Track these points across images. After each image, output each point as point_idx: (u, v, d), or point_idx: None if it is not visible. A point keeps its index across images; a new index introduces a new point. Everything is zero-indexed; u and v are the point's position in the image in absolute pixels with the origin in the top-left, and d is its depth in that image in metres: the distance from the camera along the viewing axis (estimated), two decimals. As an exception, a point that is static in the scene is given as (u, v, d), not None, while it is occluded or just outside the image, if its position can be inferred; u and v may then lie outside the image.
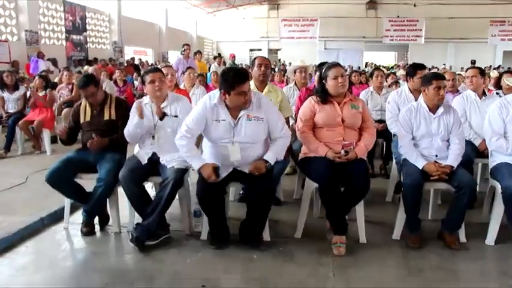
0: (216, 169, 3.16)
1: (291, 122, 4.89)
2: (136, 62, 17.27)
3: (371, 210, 3.83)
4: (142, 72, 3.90)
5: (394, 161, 4.45)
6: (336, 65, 3.55)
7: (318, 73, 4.29)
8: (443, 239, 3.42)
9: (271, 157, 3.28)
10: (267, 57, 5.19)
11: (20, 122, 6.55)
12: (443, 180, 3.38)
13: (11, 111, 6.92)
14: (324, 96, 3.50)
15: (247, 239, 3.40)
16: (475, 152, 4.17)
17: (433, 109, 3.57)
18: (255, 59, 4.57)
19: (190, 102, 4.92)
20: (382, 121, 5.24)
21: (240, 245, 3.40)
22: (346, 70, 16.29)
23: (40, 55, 12.61)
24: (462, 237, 3.46)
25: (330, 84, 3.45)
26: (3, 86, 6.96)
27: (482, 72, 4.55)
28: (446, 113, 3.57)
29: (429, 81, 3.51)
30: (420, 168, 3.41)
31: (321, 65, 4.66)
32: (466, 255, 3.29)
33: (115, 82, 9.74)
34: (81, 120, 3.84)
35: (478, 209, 3.97)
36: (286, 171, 4.70)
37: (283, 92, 4.64)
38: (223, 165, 3.28)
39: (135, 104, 3.68)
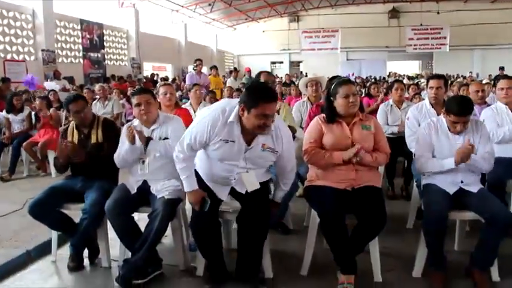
0: (204, 200, 2.83)
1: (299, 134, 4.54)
2: (157, 78, 17.11)
3: (389, 240, 3.42)
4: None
5: (415, 183, 4.01)
6: (347, 81, 3.18)
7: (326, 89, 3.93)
8: (472, 277, 2.94)
9: (280, 197, 3.13)
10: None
11: (24, 144, 6.37)
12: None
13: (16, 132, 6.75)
14: (331, 115, 3.11)
15: (244, 276, 3.00)
16: (507, 172, 3.67)
17: None
18: (260, 74, 4.24)
19: (190, 122, 4.63)
20: (401, 137, 4.78)
21: (237, 284, 3.01)
22: (368, 81, 15.96)
23: (56, 74, 12.58)
24: (495, 276, 2.98)
25: (339, 103, 3.06)
26: (12, 108, 6.81)
27: None
28: (473, 131, 3.10)
29: (448, 111, 3.06)
30: (453, 165, 2.96)
31: (333, 79, 4.31)
32: (500, 298, 2.83)
33: (128, 99, 9.55)
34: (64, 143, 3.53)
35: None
36: (298, 193, 4.30)
37: (286, 105, 4.42)
38: (221, 184, 2.95)
39: (125, 128, 3.38)
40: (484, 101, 5.01)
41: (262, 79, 4.11)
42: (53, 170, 6.41)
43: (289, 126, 3.91)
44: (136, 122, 3.38)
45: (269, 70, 26.42)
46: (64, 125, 6.80)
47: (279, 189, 3.11)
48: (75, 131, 3.58)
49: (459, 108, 2.98)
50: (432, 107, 4.18)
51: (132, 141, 3.20)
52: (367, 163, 2.98)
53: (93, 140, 3.52)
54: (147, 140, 3.23)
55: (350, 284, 2.84)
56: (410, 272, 3.12)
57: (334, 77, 4.37)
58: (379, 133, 3.17)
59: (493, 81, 10.30)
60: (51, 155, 6.43)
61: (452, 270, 3.04)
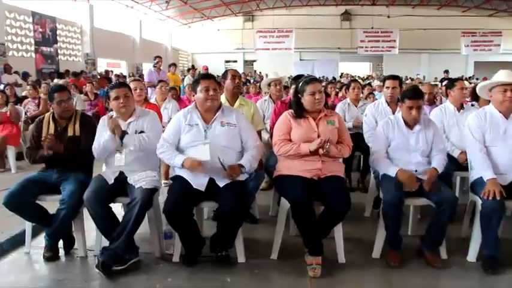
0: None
1: (264, 135, 4.75)
2: (111, 75, 16.79)
3: (349, 227, 3.70)
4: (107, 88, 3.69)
5: (372, 175, 4.34)
6: (314, 80, 3.44)
7: (293, 86, 4.17)
8: (424, 256, 3.30)
9: (246, 162, 3.28)
10: (242, 68, 5.15)
11: (-18, 139, 6.23)
12: (424, 195, 3.29)
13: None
14: (299, 111, 3.37)
15: (217, 250, 3.31)
16: (453, 165, 4.08)
17: (410, 124, 3.47)
18: (227, 71, 4.45)
19: (161, 117, 4.77)
20: (359, 134, 5.11)
21: (213, 268, 3.24)
22: (321, 81, 16.47)
23: (7, 68, 12.16)
24: (443, 254, 3.35)
25: (306, 100, 3.34)
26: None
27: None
28: (425, 128, 3.47)
29: (403, 99, 3.43)
30: (393, 175, 3.30)
31: (297, 77, 4.56)
32: (448, 273, 3.18)
33: (86, 95, 9.48)
34: (43, 136, 3.53)
35: (457, 222, 3.85)
36: (261, 187, 4.55)
37: (255, 104, 4.53)
38: (199, 175, 3.20)
39: (106, 118, 3.48)
40: (434, 101, 5.45)
41: (229, 74, 4.31)
42: (12, 165, 6.34)
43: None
44: (114, 115, 3.50)
45: (223, 69, 26.57)
46: (30, 118, 6.71)
47: (245, 157, 3.34)
48: (51, 123, 3.61)
49: (413, 93, 3.41)
50: (388, 105, 4.53)
51: (113, 131, 3.32)
52: (333, 154, 3.26)
53: (70, 133, 3.58)
54: (122, 134, 3.35)
55: (318, 265, 3.11)
56: (370, 254, 3.43)
57: (299, 76, 4.64)
58: (343, 128, 3.47)
59: (440, 83, 11.02)
60: (11, 151, 6.35)
61: (406, 251, 3.38)
